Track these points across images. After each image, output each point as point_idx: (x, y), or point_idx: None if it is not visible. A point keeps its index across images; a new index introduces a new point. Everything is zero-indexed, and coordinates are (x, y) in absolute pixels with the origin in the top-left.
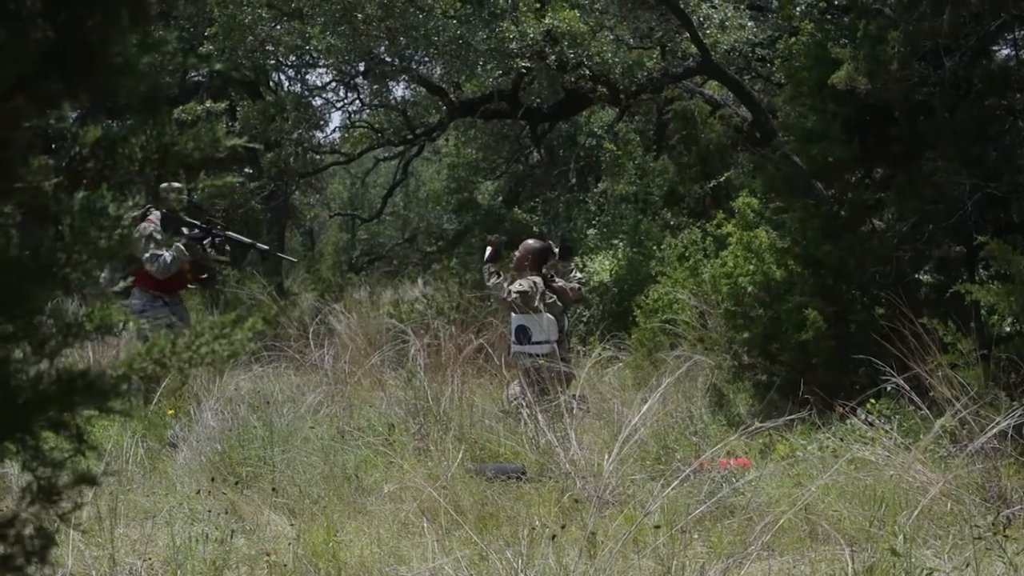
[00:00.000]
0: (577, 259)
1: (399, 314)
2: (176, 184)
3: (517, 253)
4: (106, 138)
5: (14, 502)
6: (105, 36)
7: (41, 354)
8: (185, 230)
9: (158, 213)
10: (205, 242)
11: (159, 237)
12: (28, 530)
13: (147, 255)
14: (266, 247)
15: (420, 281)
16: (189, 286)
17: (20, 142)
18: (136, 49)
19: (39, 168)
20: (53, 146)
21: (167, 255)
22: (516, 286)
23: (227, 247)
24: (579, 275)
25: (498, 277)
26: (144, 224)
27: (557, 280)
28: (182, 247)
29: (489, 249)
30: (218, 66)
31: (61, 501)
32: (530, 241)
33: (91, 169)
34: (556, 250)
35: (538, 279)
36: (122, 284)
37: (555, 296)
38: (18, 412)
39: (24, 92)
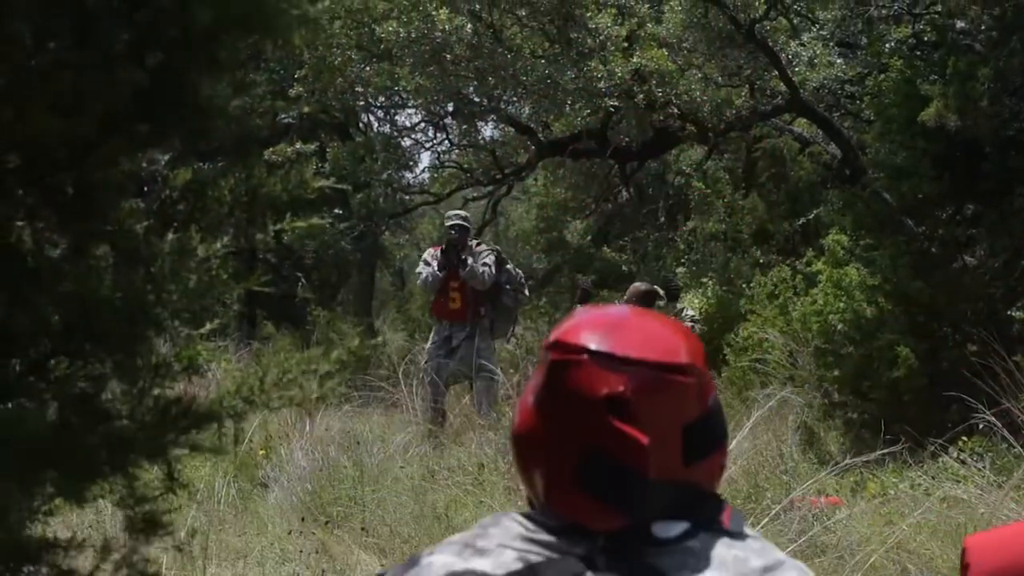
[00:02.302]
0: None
1: None
2: (454, 212)
3: (625, 296)
4: (196, 181)
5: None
6: (195, 78)
7: (131, 394)
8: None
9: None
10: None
11: (427, 258)
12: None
13: (416, 271)
14: (511, 285)
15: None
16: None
17: (112, 185)
18: (227, 91)
19: (131, 211)
20: (145, 188)
21: (424, 272)
22: None
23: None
24: (692, 313)
25: None
26: (429, 249)
27: None
28: (435, 268)
29: (579, 291)
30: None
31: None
32: (637, 284)
33: (181, 211)
34: (662, 293)
35: None
36: None
37: None
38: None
39: (114, 134)
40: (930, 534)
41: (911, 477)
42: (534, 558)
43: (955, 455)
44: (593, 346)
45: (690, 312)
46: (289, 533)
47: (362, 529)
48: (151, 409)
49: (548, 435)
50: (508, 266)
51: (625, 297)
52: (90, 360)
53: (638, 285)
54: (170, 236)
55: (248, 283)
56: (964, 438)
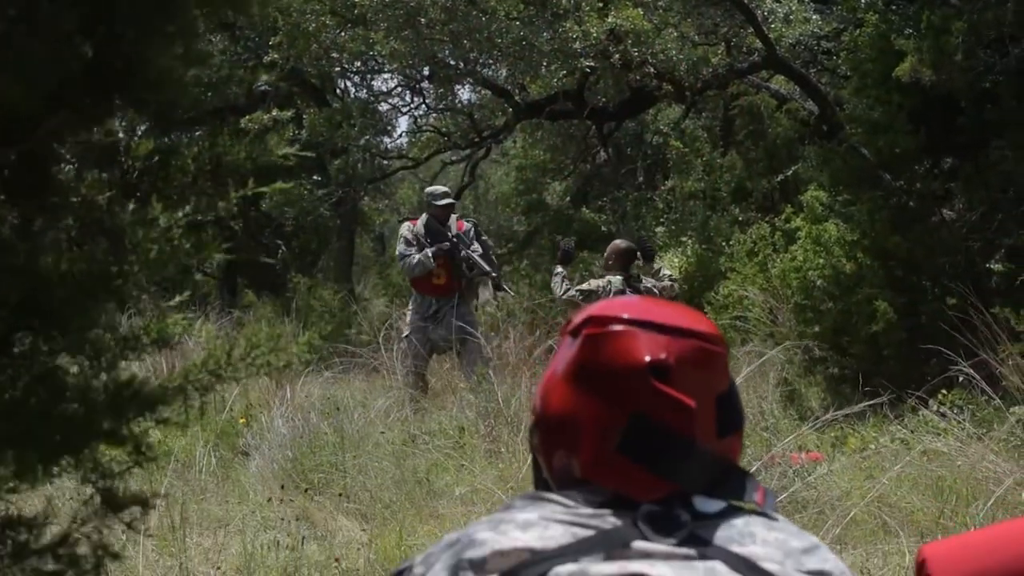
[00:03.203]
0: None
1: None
2: (441, 189)
3: (605, 253)
4: (158, 150)
5: (68, 519)
6: (143, 51)
7: (98, 368)
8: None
9: (424, 217)
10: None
11: (409, 236)
12: (82, 548)
13: (397, 252)
14: (496, 275)
15: (490, 283)
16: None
17: (68, 157)
18: (179, 63)
19: (93, 182)
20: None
21: (414, 258)
22: (585, 284)
23: (474, 267)
24: (669, 273)
25: (563, 280)
26: (405, 224)
27: (645, 280)
28: (430, 255)
29: (560, 252)
30: (265, 77)
31: (123, 512)
32: (618, 241)
33: (144, 182)
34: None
35: (615, 278)
36: None
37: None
38: (70, 426)
39: (65, 107)
40: (911, 487)
41: (891, 431)
42: (582, 532)
43: (935, 408)
44: (631, 316)
45: (667, 272)
46: (269, 500)
47: (342, 495)
48: (106, 387)
49: (589, 409)
50: (483, 238)
51: (605, 254)
52: (52, 335)
53: (618, 242)
54: (131, 207)
55: (208, 251)
56: (944, 391)
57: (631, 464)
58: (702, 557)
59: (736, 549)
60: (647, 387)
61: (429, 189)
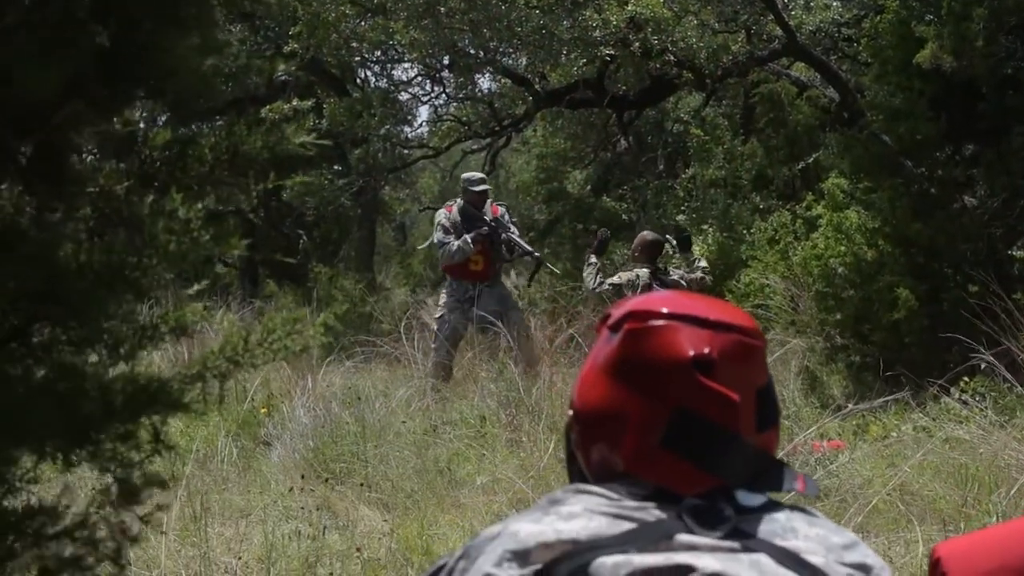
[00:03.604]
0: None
1: None
2: (477, 175)
3: (633, 244)
4: (176, 140)
5: (86, 503)
6: (159, 40)
7: (116, 358)
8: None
9: (459, 203)
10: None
11: (446, 224)
12: (101, 532)
13: (435, 240)
14: (538, 255)
15: (512, 273)
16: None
17: (85, 147)
18: (195, 52)
19: (110, 172)
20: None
21: (453, 244)
22: (615, 278)
23: (513, 249)
24: (703, 264)
25: (596, 272)
26: (440, 211)
27: (673, 272)
28: (469, 240)
29: (596, 242)
30: (282, 66)
31: (140, 502)
32: (645, 233)
33: (162, 172)
34: (674, 242)
35: (643, 271)
36: None
37: (664, 288)
38: (85, 426)
39: (81, 96)
40: (933, 475)
41: (913, 419)
42: (626, 524)
43: (957, 396)
44: (672, 311)
45: (702, 263)
46: (291, 490)
47: (363, 485)
48: (124, 384)
49: (631, 403)
50: (513, 220)
51: (632, 246)
52: (70, 326)
53: (645, 234)
54: (150, 198)
55: (230, 246)
56: (965, 379)
57: (675, 458)
58: (746, 550)
59: (780, 543)
60: (691, 381)
61: (465, 175)
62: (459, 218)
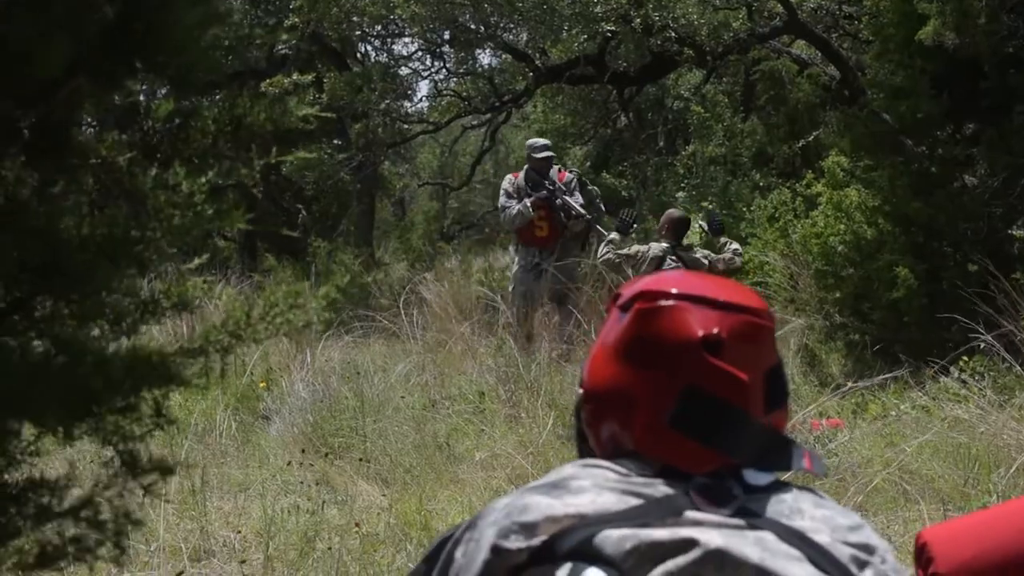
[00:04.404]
0: None
1: (490, 282)
2: (541, 141)
3: (660, 221)
4: (178, 112)
5: (90, 483)
6: (165, 14)
7: (119, 332)
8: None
9: (525, 169)
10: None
11: (509, 188)
12: (104, 513)
13: (499, 205)
14: (590, 217)
15: (511, 248)
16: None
17: (88, 120)
18: (198, 24)
19: (112, 144)
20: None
21: (513, 208)
22: (626, 250)
23: (571, 212)
24: (734, 246)
25: (606, 244)
26: (507, 176)
27: (698, 251)
28: (528, 204)
29: (618, 221)
30: (284, 37)
31: (144, 475)
32: (671, 210)
33: (165, 144)
34: (705, 227)
35: (657, 245)
36: None
37: (681, 264)
38: (86, 398)
39: (84, 71)
40: (932, 454)
41: (912, 398)
42: (634, 500)
43: (956, 375)
44: (682, 291)
45: (734, 246)
46: (289, 464)
47: (362, 459)
48: (125, 356)
49: (640, 382)
50: (589, 187)
51: (660, 223)
52: (72, 299)
53: (671, 212)
54: (153, 171)
55: (232, 220)
56: (965, 358)
57: (683, 437)
58: (752, 527)
59: (786, 522)
60: (700, 361)
61: (529, 141)
62: (524, 183)
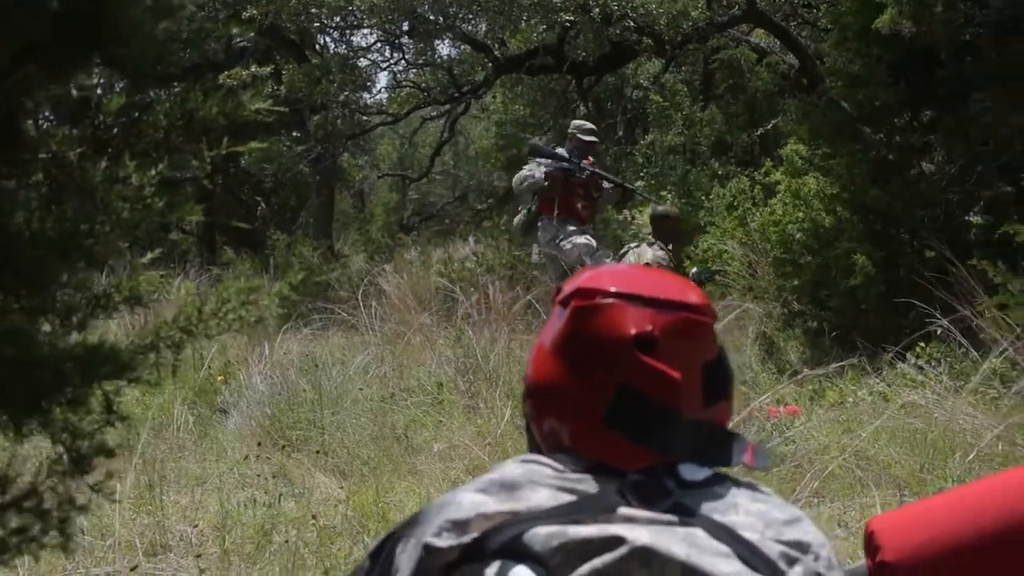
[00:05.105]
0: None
1: (449, 273)
2: (589, 125)
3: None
4: (130, 106)
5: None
6: (111, 4)
7: (69, 327)
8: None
9: (566, 148)
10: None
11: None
12: (49, 502)
13: (522, 174)
14: (630, 186)
15: (471, 239)
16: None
17: (39, 113)
18: (148, 16)
19: (63, 138)
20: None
21: (533, 175)
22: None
23: (600, 184)
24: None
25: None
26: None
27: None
28: (544, 170)
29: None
30: (235, 30)
31: (90, 471)
32: (662, 209)
33: (116, 138)
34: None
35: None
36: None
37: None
38: (36, 392)
39: (34, 61)
40: (888, 440)
41: (869, 384)
42: (567, 496)
43: (912, 361)
44: (618, 289)
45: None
46: (246, 458)
47: (320, 452)
48: (76, 349)
49: (576, 380)
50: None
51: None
52: (22, 294)
53: (662, 209)
54: (103, 164)
55: (183, 212)
56: (921, 344)
57: (617, 436)
58: (684, 524)
59: (718, 518)
60: (633, 360)
61: (577, 122)
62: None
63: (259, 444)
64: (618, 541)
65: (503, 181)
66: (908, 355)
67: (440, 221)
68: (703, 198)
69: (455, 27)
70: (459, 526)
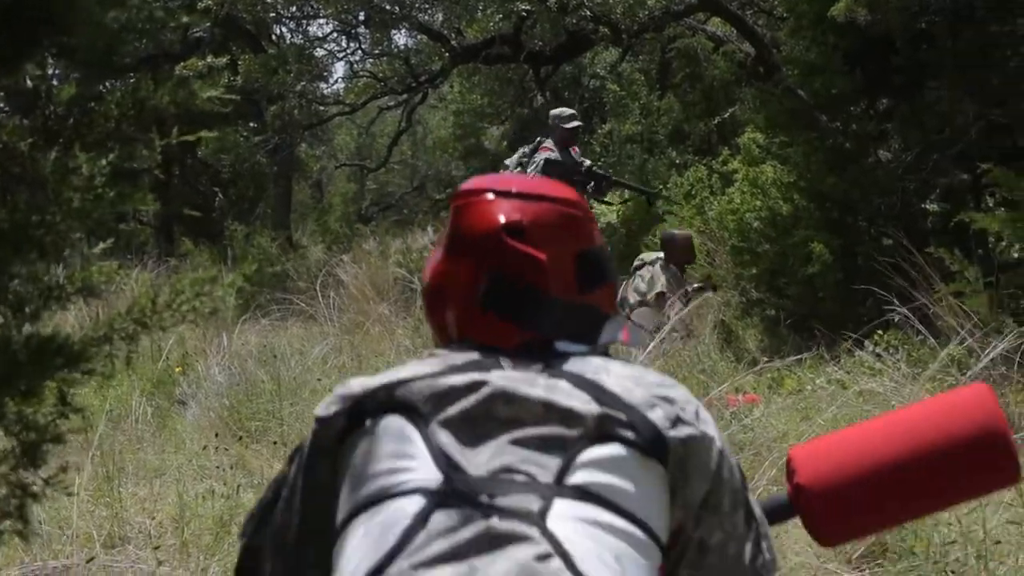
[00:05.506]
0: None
1: (407, 263)
2: (569, 111)
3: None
4: (81, 96)
5: None
6: None
7: (21, 319)
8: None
9: (549, 142)
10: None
11: (553, 157)
12: (2, 491)
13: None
14: (652, 191)
15: (429, 229)
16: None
17: None
18: (97, 6)
19: (13, 129)
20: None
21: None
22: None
23: (603, 187)
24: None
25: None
26: (544, 154)
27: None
28: (537, 165)
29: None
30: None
31: (43, 463)
32: (677, 232)
33: (67, 128)
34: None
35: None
36: None
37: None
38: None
39: None
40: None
41: (828, 372)
42: (447, 364)
43: (870, 349)
44: (497, 187)
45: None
46: (204, 449)
47: (278, 443)
48: (28, 341)
49: (457, 272)
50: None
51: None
52: None
53: (677, 233)
54: (53, 155)
55: (134, 202)
56: (879, 332)
57: (494, 317)
58: (549, 376)
59: (587, 376)
60: (503, 246)
61: (556, 111)
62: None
63: (217, 435)
64: (481, 384)
65: (461, 170)
66: (866, 343)
67: (398, 211)
68: (661, 187)
69: (411, 17)
70: (344, 398)
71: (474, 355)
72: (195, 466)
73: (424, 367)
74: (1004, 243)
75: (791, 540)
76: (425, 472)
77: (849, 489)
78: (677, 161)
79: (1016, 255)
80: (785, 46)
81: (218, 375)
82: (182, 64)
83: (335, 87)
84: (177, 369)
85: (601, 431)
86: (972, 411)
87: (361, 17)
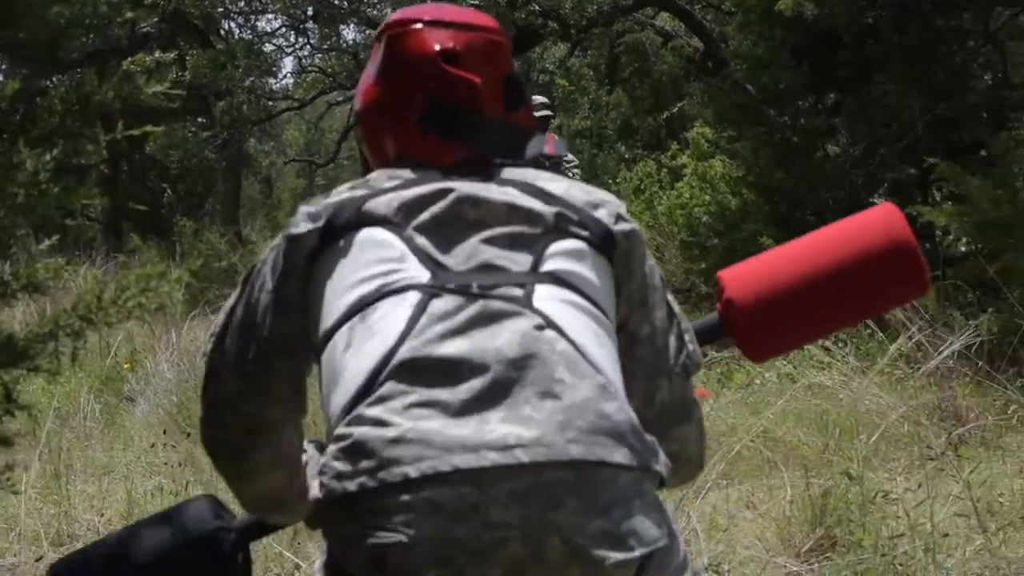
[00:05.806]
0: None
1: None
2: (540, 99)
3: None
4: (25, 91)
5: None
6: None
7: None
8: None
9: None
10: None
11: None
12: None
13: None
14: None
15: None
16: None
17: None
18: (40, 1)
19: None
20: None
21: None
22: None
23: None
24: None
25: None
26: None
27: None
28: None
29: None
30: (130, 15)
31: None
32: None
33: (11, 123)
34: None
35: None
36: None
37: None
38: None
39: None
40: (795, 421)
41: (777, 366)
42: (400, 180)
43: (819, 343)
44: (426, 17)
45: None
46: (153, 446)
47: None
48: None
49: (394, 97)
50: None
51: None
52: None
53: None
54: None
55: (79, 197)
56: None
57: (433, 136)
58: (499, 184)
59: (531, 182)
60: (439, 71)
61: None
62: None
63: (165, 432)
64: (447, 191)
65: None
66: None
67: None
68: (610, 182)
69: (360, 12)
70: (312, 216)
71: (426, 170)
72: (143, 463)
73: (380, 183)
74: (951, 237)
75: (740, 534)
76: (414, 271)
77: (775, 299)
78: (626, 156)
79: (963, 249)
80: (733, 41)
81: (167, 371)
82: (129, 60)
83: (284, 82)
84: (125, 366)
85: (559, 228)
86: (884, 226)
87: (310, 12)
